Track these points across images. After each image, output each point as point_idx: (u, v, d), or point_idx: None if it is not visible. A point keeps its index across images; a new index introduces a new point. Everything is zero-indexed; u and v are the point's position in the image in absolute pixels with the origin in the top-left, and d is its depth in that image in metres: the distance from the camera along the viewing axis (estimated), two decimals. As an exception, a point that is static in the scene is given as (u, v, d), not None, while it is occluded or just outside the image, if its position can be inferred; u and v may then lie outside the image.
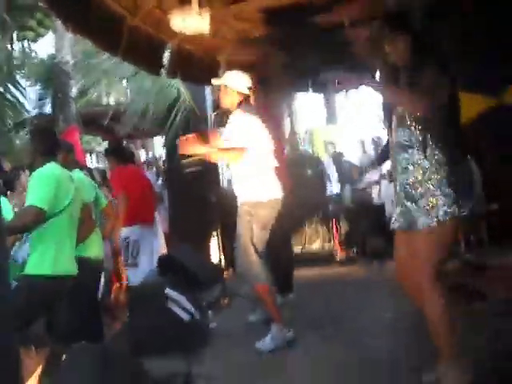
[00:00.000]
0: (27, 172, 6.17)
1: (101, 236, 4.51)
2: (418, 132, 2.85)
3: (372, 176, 9.00)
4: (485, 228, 7.17)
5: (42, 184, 3.40)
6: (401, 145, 2.93)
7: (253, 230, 4.22)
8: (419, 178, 2.84)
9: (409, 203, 2.90)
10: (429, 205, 2.80)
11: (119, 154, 5.98)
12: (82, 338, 2.82)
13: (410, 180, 2.88)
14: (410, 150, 2.88)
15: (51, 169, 3.53)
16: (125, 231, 5.65)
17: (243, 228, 4.23)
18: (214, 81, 4.55)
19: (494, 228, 7.14)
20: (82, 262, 3.79)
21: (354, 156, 10.84)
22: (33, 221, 3.32)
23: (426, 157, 2.82)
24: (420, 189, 2.84)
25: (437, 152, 2.81)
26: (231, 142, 4.26)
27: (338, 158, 10.26)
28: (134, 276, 5.47)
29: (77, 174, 4.34)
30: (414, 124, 2.86)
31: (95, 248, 4.33)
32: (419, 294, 2.88)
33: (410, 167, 2.88)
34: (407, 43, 2.88)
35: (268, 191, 4.30)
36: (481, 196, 7.00)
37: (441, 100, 2.78)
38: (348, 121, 14.23)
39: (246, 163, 4.24)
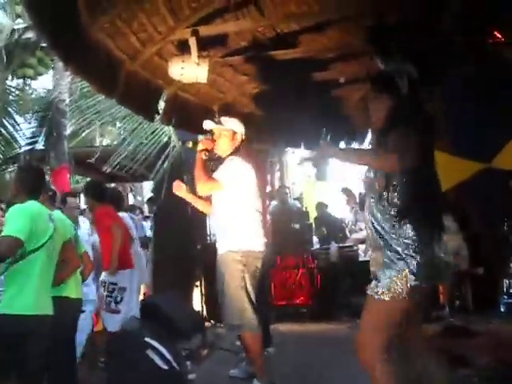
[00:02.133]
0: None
1: (80, 277, 4.41)
2: (386, 199, 2.78)
3: (359, 234, 9.01)
4: (470, 293, 7.15)
5: (19, 216, 3.38)
6: (370, 209, 2.88)
7: (245, 279, 4.16)
8: (381, 244, 2.77)
9: (372, 268, 2.85)
10: (386, 274, 2.72)
11: (99, 193, 5.83)
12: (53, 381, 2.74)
13: (374, 246, 2.83)
14: (377, 215, 2.82)
15: (31, 205, 3.52)
16: (111, 276, 5.55)
17: (234, 277, 4.15)
18: (212, 124, 4.45)
19: (479, 293, 7.12)
20: (61, 301, 3.72)
21: (342, 212, 10.86)
22: (8, 249, 3.26)
23: (390, 224, 2.75)
24: (381, 256, 2.77)
25: (398, 220, 2.73)
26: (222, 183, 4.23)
27: (325, 214, 10.29)
28: (114, 322, 5.34)
29: (57, 213, 4.29)
30: (382, 190, 2.80)
31: (75, 288, 4.23)
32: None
33: (376, 233, 2.81)
34: (385, 105, 2.87)
35: (259, 241, 4.29)
36: (465, 260, 7.01)
37: (406, 164, 2.71)
38: (338, 177, 14.31)
39: (237, 210, 4.21)
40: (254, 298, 4.20)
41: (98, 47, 4.51)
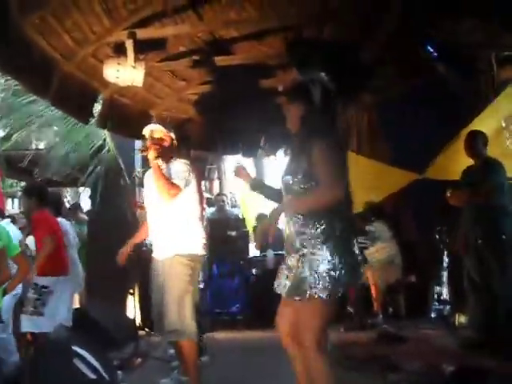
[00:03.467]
0: None
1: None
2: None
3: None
4: (402, 300, 7.30)
5: None
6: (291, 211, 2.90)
7: (191, 284, 4.08)
8: (304, 246, 2.81)
9: (288, 272, 2.92)
10: (305, 276, 2.77)
11: (44, 196, 5.63)
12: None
13: (296, 246, 2.86)
14: (295, 219, 2.87)
15: None
16: (43, 280, 5.35)
17: (181, 281, 4.02)
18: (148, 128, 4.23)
19: (411, 300, 7.28)
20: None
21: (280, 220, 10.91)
22: None
23: (309, 227, 2.80)
24: (300, 259, 2.81)
25: (318, 226, 2.78)
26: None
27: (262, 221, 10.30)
28: (37, 325, 5.15)
29: None
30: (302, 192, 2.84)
31: None
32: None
33: (297, 236, 2.85)
34: (298, 111, 2.92)
35: (201, 245, 4.22)
36: (399, 268, 7.17)
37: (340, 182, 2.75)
38: (276, 184, 14.38)
39: (181, 213, 4.12)
40: (195, 304, 4.14)
41: (30, 45, 4.36)
